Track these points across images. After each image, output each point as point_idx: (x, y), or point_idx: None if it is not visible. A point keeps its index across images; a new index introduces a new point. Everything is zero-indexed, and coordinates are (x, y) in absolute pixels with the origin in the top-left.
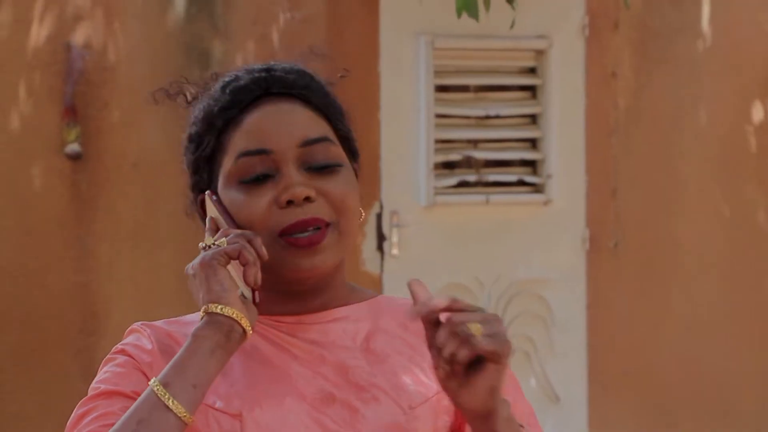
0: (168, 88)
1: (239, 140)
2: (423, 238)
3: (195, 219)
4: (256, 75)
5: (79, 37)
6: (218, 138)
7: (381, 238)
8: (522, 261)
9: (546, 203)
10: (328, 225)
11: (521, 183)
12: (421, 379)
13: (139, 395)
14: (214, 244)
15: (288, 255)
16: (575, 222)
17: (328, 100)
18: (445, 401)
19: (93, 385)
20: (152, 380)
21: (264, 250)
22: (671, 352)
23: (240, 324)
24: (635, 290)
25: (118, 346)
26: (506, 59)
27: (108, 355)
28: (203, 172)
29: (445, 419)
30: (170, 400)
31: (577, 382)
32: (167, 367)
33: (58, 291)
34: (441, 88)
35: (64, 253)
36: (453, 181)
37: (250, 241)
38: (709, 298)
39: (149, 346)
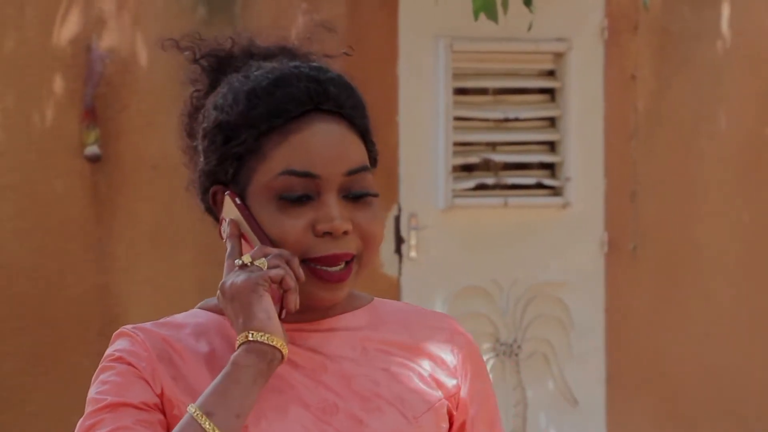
0: (179, 40)
1: (284, 155)
2: (441, 241)
3: (196, 198)
4: (308, 85)
5: (99, 39)
6: (257, 140)
7: (399, 240)
8: (540, 264)
9: (564, 206)
10: (353, 258)
11: (540, 186)
12: (423, 387)
13: (148, 406)
14: (252, 263)
15: (310, 285)
16: (594, 225)
17: (366, 120)
18: (445, 408)
19: (94, 396)
20: (190, 407)
21: (301, 272)
22: (690, 355)
23: (281, 351)
24: (654, 294)
25: (113, 353)
26: (525, 62)
27: (103, 363)
28: (229, 166)
29: (443, 426)
30: (214, 431)
31: (596, 386)
32: (207, 393)
33: (77, 293)
34: (459, 91)
35: (83, 254)
36: (471, 183)
37: (288, 262)
38: (728, 302)
39: (144, 353)
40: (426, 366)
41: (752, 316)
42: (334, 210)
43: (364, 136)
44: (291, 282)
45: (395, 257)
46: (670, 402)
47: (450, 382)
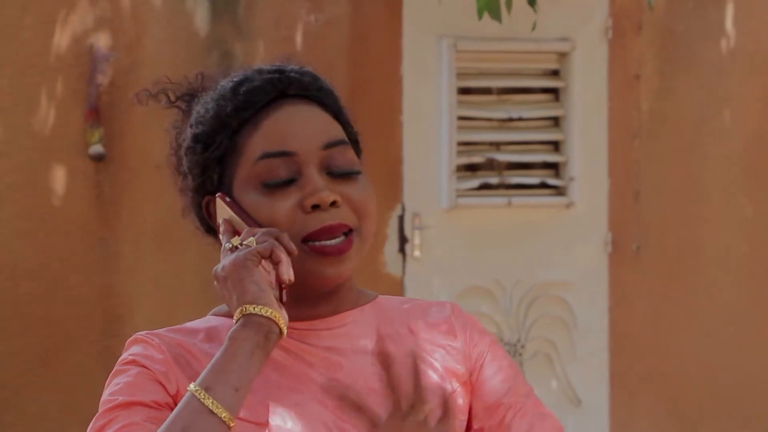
0: (150, 88)
1: (258, 142)
2: (445, 240)
3: (193, 221)
4: (270, 76)
5: (102, 39)
6: (231, 138)
7: (403, 240)
8: (544, 264)
9: (568, 206)
10: (352, 231)
11: (543, 186)
12: (436, 381)
13: (160, 405)
14: (242, 244)
15: (313, 262)
16: (597, 225)
17: (339, 104)
18: (460, 400)
19: (106, 397)
20: (191, 385)
21: (293, 246)
22: (693, 355)
23: (278, 324)
24: (657, 293)
25: (127, 357)
26: (529, 62)
27: (116, 367)
28: (212, 172)
29: (462, 419)
30: (214, 405)
31: (599, 386)
32: (205, 371)
33: (80, 292)
34: (463, 91)
35: (87, 254)
36: (475, 183)
37: (277, 238)
38: (732, 302)
39: (160, 356)
40: (438, 357)
41: (756, 316)
42: (317, 182)
43: (338, 117)
44: (280, 253)
45: (399, 256)
46: (674, 402)
47: (461, 369)
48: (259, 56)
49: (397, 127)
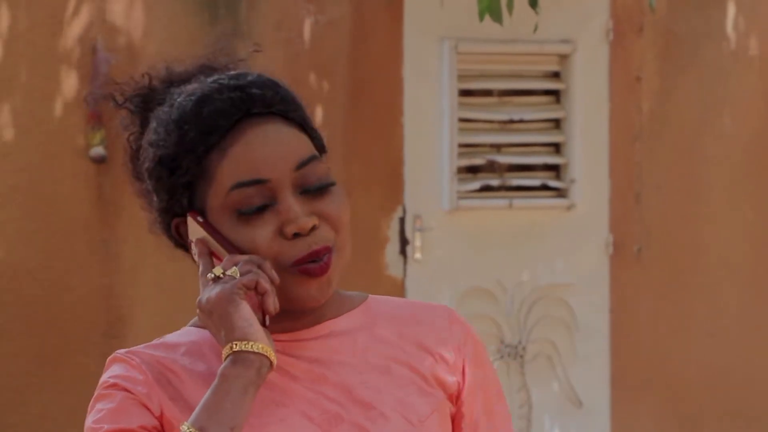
0: (94, 91)
1: (228, 170)
2: (446, 242)
3: (162, 237)
4: (232, 95)
5: (104, 40)
6: (198, 164)
7: (404, 242)
8: (545, 266)
9: (569, 208)
10: (330, 249)
11: (545, 187)
12: (426, 389)
13: (147, 429)
14: (224, 274)
15: (299, 286)
16: (599, 227)
17: (302, 113)
18: (449, 408)
19: (90, 425)
20: (183, 425)
21: (275, 274)
22: (695, 357)
23: (268, 358)
24: (659, 295)
25: (108, 380)
26: (530, 63)
27: (98, 392)
28: (181, 197)
29: (448, 428)
30: None
31: (600, 388)
32: (198, 410)
33: (82, 294)
34: (464, 93)
35: (89, 256)
36: (476, 185)
37: (260, 266)
38: (734, 304)
39: (141, 377)
40: (427, 364)
41: (757, 318)
42: (295, 208)
43: (304, 126)
44: (266, 284)
45: (400, 258)
46: (675, 403)
47: (450, 379)
48: (261, 57)
49: (398, 129)
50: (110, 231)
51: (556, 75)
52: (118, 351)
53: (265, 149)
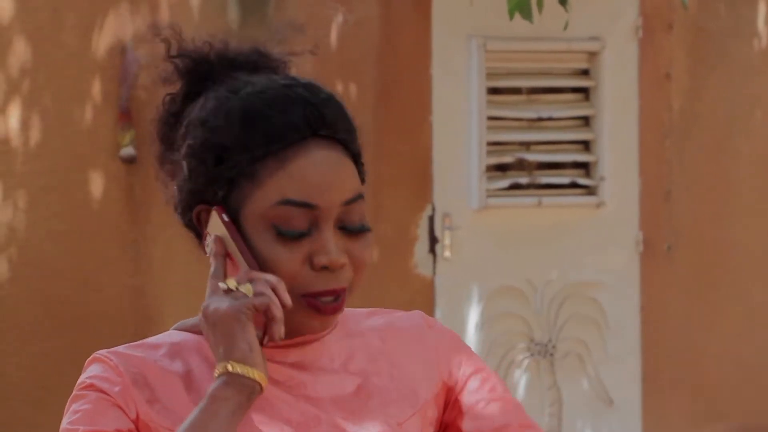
0: (163, 30)
1: (281, 183)
2: (475, 240)
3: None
4: (306, 111)
5: (134, 41)
6: (252, 165)
7: (433, 240)
8: (575, 264)
9: (599, 206)
10: (346, 291)
11: (574, 185)
12: (406, 392)
13: None
14: (237, 288)
15: (306, 317)
16: (628, 225)
17: (358, 143)
18: (430, 412)
19: (66, 426)
20: None
21: (288, 298)
22: (725, 354)
23: (260, 384)
24: (689, 293)
25: (85, 380)
26: (559, 61)
27: (75, 392)
28: (219, 188)
29: (430, 429)
30: None
31: (631, 386)
32: (184, 428)
33: (112, 294)
34: (493, 91)
35: (119, 256)
36: (505, 183)
37: (274, 289)
38: (763, 301)
39: (118, 378)
40: (406, 370)
41: None
42: (331, 243)
43: (356, 159)
44: (277, 312)
45: (429, 257)
46: (706, 401)
47: (432, 381)
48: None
49: (427, 128)
50: (140, 231)
51: (585, 72)
52: (99, 351)
53: (324, 175)
